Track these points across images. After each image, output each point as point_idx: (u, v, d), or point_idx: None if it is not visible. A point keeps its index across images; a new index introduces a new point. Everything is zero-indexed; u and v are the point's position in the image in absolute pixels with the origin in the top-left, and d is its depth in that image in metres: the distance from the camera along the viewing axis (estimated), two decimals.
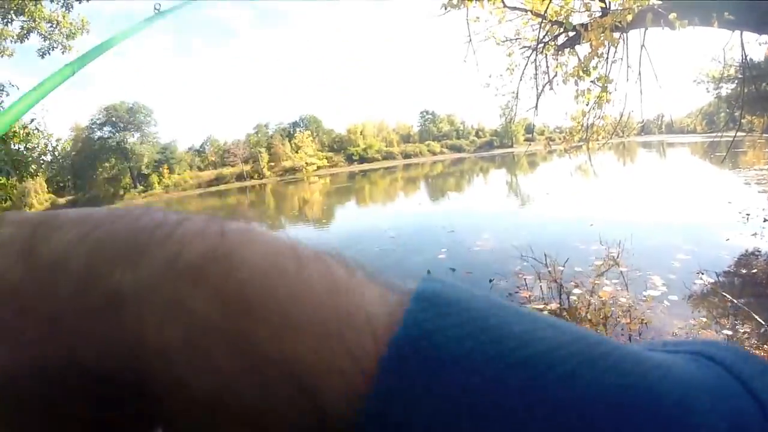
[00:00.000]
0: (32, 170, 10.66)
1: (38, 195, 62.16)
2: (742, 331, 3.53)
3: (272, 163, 74.73)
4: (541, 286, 5.13)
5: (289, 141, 77.30)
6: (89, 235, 0.20)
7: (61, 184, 68.39)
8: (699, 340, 0.27)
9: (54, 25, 10.34)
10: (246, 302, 0.18)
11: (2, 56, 10.39)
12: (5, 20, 9.80)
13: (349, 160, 78.61)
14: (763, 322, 3.59)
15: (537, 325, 0.21)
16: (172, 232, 0.20)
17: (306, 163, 72.33)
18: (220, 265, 0.19)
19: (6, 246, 0.20)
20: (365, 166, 70.66)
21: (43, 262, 0.19)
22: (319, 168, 73.41)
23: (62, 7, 10.38)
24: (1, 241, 0.20)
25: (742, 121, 6.62)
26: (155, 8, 1.58)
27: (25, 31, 10.12)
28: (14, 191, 12.03)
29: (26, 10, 9.64)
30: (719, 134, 6.33)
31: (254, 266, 0.19)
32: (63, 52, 10.62)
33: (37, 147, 10.48)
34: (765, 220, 7.18)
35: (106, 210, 0.22)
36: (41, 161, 10.98)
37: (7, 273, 0.19)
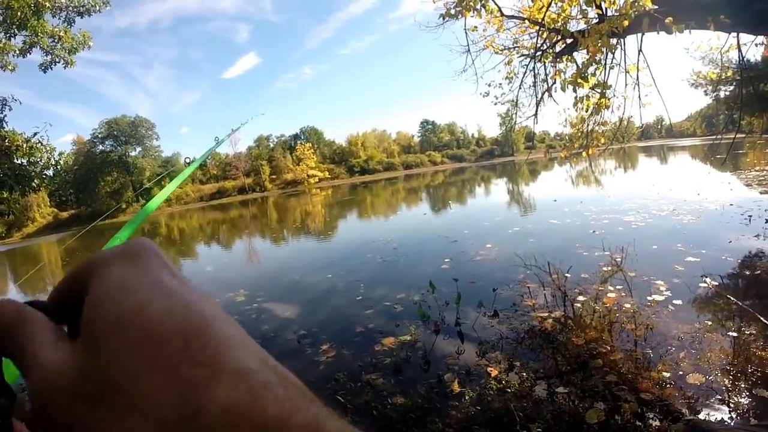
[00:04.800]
0: (35, 185, 10.68)
1: (41, 209, 62.37)
2: (747, 332, 3.51)
3: (274, 176, 74.88)
4: (545, 294, 5.12)
5: (291, 153, 77.51)
6: None
7: (64, 198, 68.62)
8: None
9: (56, 40, 10.45)
10: None
11: (5, 71, 10.48)
12: (8, 35, 9.90)
13: (351, 171, 78.73)
14: None
15: None
16: None
17: (307, 175, 72.47)
18: None
19: None
20: (367, 178, 70.73)
21: None
22: (320, 180, 73.50)
23: (64, 22, 10.53)
24: None
25: (742, 122, 6.65)
26: (185, 162, 1.73)
27: (28, 46, 10.21)
28: (17, 205, 12.02)
29: (29, 24, 9.74)
30: (719, 137, 6.33)
31: None
32: (65, 67, 10.72)
33: (40, 161, 10.49)
34: (767, 221, 7.18)
35: None
36: (44, 175, 10.99)
37: None
